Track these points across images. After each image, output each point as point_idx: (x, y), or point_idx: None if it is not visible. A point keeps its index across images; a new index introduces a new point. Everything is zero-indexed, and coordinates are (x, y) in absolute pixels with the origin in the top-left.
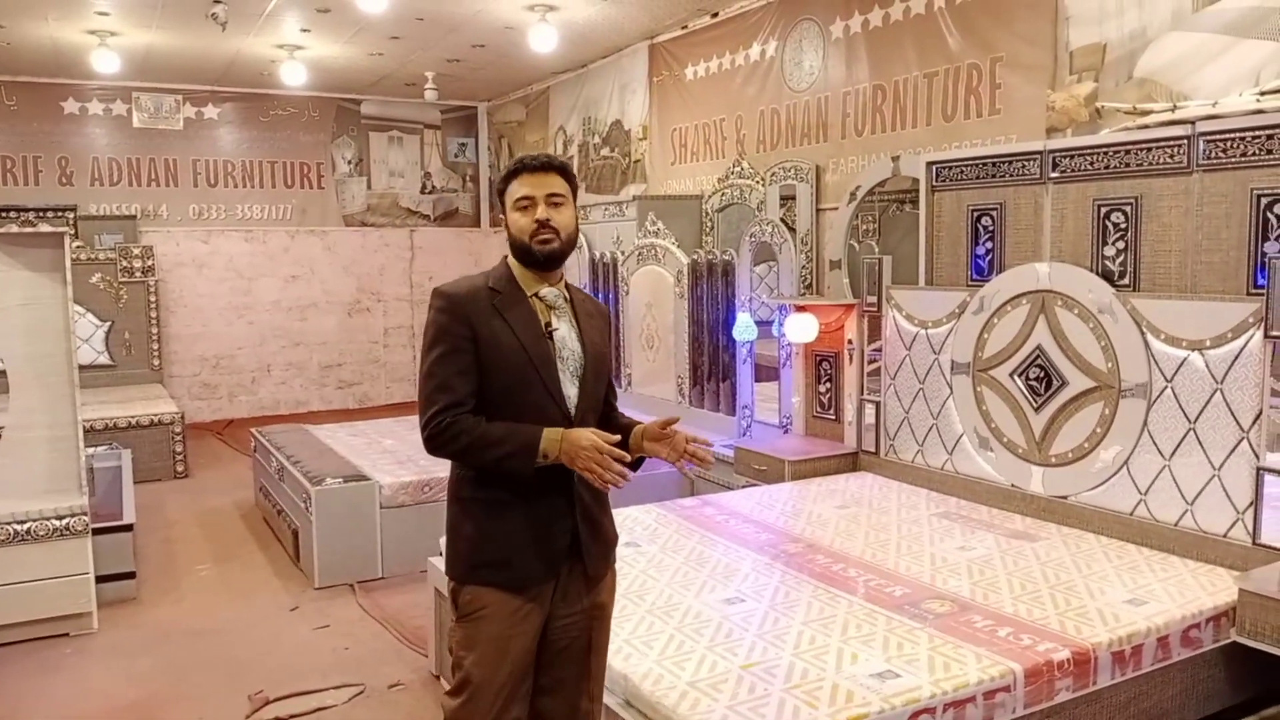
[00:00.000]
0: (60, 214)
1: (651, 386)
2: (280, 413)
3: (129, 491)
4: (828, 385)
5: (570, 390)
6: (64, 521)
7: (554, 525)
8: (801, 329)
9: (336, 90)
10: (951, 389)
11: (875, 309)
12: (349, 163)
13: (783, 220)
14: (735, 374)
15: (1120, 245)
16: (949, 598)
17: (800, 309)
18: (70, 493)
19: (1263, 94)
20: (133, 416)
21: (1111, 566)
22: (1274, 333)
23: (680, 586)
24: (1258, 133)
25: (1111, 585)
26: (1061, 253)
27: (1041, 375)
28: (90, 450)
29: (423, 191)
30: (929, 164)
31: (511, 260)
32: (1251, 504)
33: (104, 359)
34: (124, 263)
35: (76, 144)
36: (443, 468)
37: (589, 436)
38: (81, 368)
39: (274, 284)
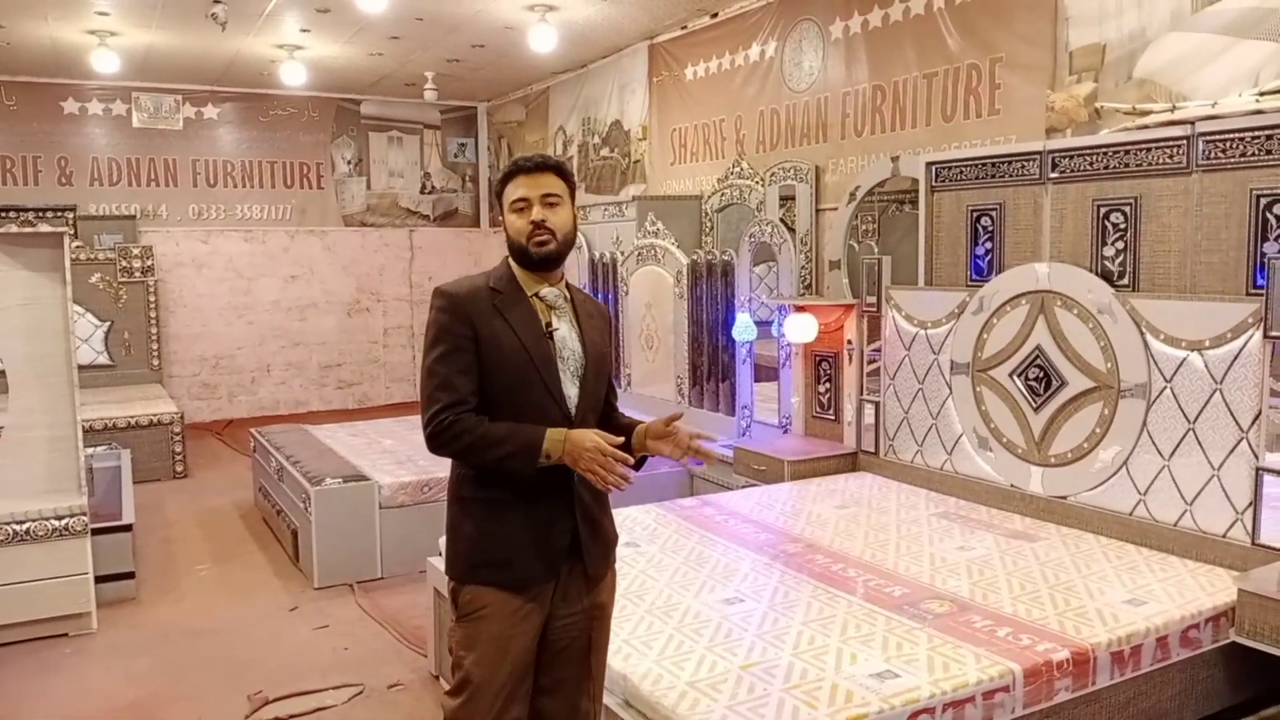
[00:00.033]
0: (60, 214)
1: (651, 387)
2: (280, 413)
3: (128, 492)
4: (827, 385)
5: (571, 390)
6: (63, 522)
7: (554, 525)
8: (801, 329)
9: (336, 90)
10: (951, 389)
11: (875, 309)
12: (348, 163)
13: (782, 220)
14: (735, 374)
15: (1120, 245)
16: (948, 598)
17: (800, 309)
18: (69, 493)
19: (1262, 94)
20: (132, 416)
21: (1111, 567)
22: (1273, 333)
23: (679, 586)
24: (1257, 133)
25: (1111, 585)
26: (1061, 253)
27: (1041, 375)
28: (89, 450)
29: (422, 191)
30: (928, 164)
31: (512, 260)
32: (1251, 504)
33: (103, 359)
34: (123, 263)
35: (76, 144)
36: (442, 468)
37: (592, 438)
38: (81, 368)
39: (273, 284)
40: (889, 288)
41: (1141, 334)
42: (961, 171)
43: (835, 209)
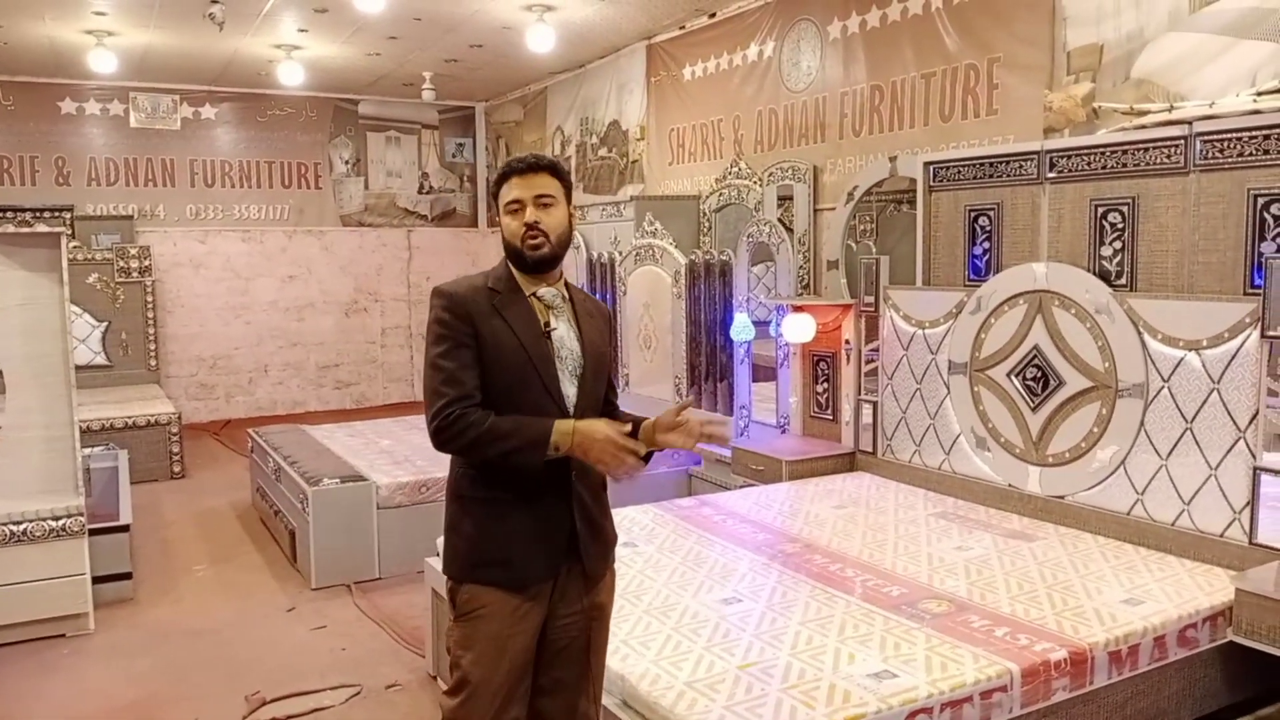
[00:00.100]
0: (57, 214)
1: (649, 387)
2: (277, 413)
3: (125, 492)
4: (825, 385)
5: (569, 389)
6: (60, 522)
7: (554, 525)
8: (799, 329)
9: (334, 90)
10: (949, 389)
11: (873, 309)
12: (346, 163)
13: (780, 220)
14: (733, 374)
15: (1117, 245)
16: (946, 598)
17: (798, 309)
18: (67, 493)
19: (1260, 94)
20: (129, 417)
21: (1108, 566)
22: (1270, 332)
23: (678, 586)
24: (1254, 133)
25: (1108, 585)
26: (1059, 253)
27: (1039, 375)
28: (87, 451)
29: (420, 192)
30: (926, 164)
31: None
32: (1248, 504)
33: (101, 359)
34: (121, 263)
35: (73, 144)
36: (440, 468)
37: (602, 428)
38: (78, 368)
39: (271, 284)
40: (887, 288)
41: (1139, 334)
42: (959, 171)
43: (833, 209)
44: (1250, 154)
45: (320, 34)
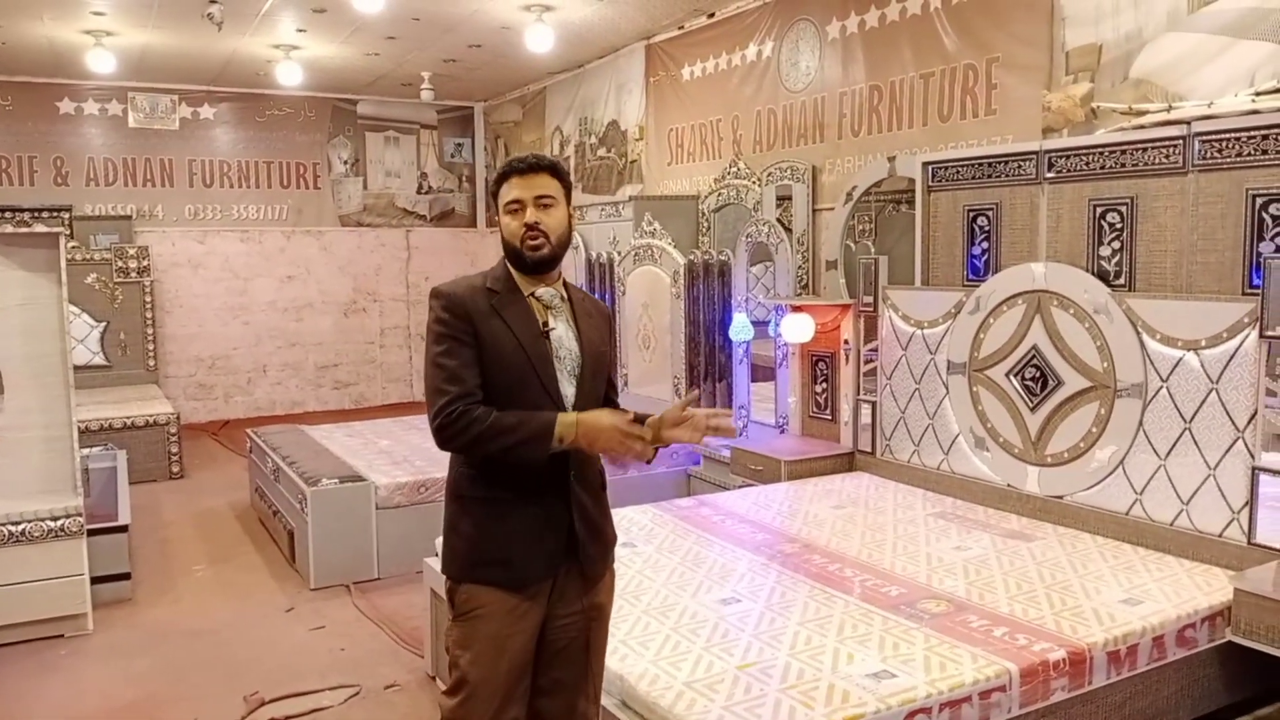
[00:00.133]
0: (55, 214)
1: (648, 387)
2: (276, 413)
3: (124, 492)
4: (824, 385)
5: (568, 389)
6: (59, 522)
7: (552, 525)
8: (798, 329)
9: (332, 90)
10: (947, 389)
11: (871, 309)
12: (345, 163)
13: (779, 220)
14: (731, 374)
15: (1116, 245)
16: (945, 598)
17: (796, 309)
18: (65, 493)
19: (1258, 94)
20: (128, 417)
21: (1107, 566)
22: (1269, 332)
23: (676, 587)
24: (1253, 133)
25: (1107, 585)
26: (1057, 253)
27: (1037, 375)
28: (85, 451)
29: (419, 192)
30: (925, 164)
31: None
32: (1247, 504)
33: (99, 359)
34: (119, 263)
35: (72, 144)
36: (439, 468)
37: (608, 418)
38: (77, 368)
39: (270, 284)
40: (886, 287)
41: (1138, 333)
42: (958, 171)
43: (832, 209)
44: (1249, 154)
45: (319, 34)
